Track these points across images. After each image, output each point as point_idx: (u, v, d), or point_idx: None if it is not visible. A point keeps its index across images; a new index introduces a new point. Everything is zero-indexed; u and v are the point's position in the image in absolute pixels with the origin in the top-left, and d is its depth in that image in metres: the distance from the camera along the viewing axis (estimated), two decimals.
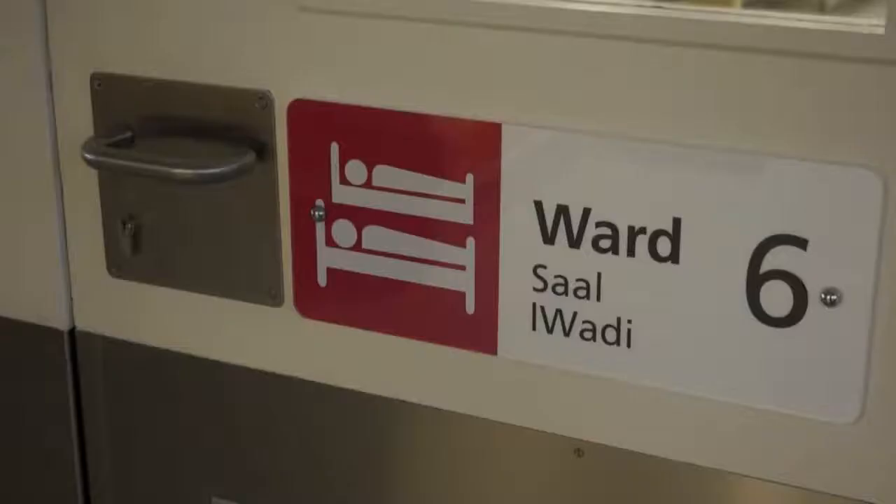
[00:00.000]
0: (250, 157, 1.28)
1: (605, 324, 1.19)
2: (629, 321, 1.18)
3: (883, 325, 1.09)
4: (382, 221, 1.25)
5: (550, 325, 1.21)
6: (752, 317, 1.12)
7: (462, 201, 1.21)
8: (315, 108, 1.25)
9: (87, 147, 1.31)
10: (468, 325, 1.24)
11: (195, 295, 1.37)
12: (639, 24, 1.11)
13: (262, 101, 1.28)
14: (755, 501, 1.19)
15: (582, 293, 1.19)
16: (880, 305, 1.08)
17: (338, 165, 1.26)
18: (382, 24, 1.21)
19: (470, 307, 1.24)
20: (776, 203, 1.09)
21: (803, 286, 1.10)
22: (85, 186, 1.38)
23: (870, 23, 1.05)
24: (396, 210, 1.24)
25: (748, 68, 1.08)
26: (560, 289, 1.19)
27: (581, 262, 1.18)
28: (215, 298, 1.36)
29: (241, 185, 1.30)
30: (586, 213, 1.17)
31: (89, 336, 1.45)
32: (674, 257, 1.14)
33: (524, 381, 1.24)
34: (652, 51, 1.11)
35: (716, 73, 1.10)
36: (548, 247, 1.19)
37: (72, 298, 1.45)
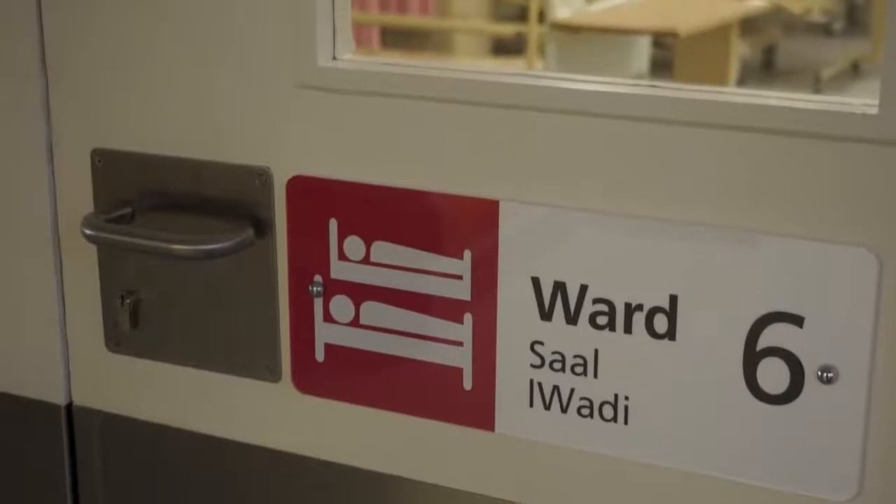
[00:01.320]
0: (249, 233, 1.28)
1: (602, 400, 1.19)
2: (626, 398, 1.18)
3: (880, 403, 1.09)
4: (380, 297, 1.26)
5: (548, 401, 1.21)
6: (748, 394, 1.13)
7: (460, 277, 1.22)
8: (314, 185, 1.26)
9: (86, 223, 1.32)
10: (466, 402, 1.24)
11: (193, 370, 1.38)
12: (634, 103, 1.13)
13: (262, 177, 1.29)
14: None
15: (579, 370, 1.19)
16: (877, 383, 1.09)
17: (336, 241, 1.26)
18: (381, 102, 1.22)
19: (467, 383, 1.24)
20: (772, 281, 1.10)
21: (800, 364, 1.10)
22: (84, 261, 1.39)
23: (863, 102, 1.06)
24: (394, 286, 1.25)
25: (743, 147, 1.10)
26: (557, 365, 1.20)
27: (578, 339, 1.18)
28: (213, 374, 1.36)
29: (240, 261, 1.30)
30: (583, 289, 1.17)
31: (86, 411, 1.45)
32: (671, 334, 1.14)
33: (522, 457, 1.24)
34: (647, 129, 1.12)
35: (710, 152, 1.11)
36: (545, 323, 1.19)
37: (69, 373, 1.45)
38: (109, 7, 1.31)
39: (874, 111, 1.05)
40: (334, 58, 1.25)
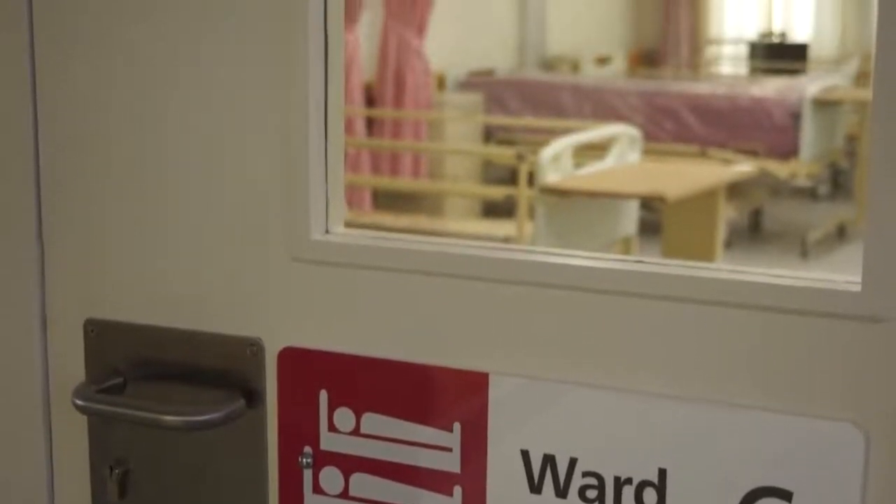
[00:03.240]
0: (240, 404, 1.29)
1: None
2: None
3: None
4: (370, 469, 1.26)
5: None
6: None
7: (449, 450, 1.22)
8: (305, 356, 1.27)
9: (77, 393, 1.32)
10: None
11: None
12: (620, 278, 1.15)
13: (253, 347, 1.30)
14: None
15: None
16: None
17: (326, 413, 1.27)
18: (373, 275, 1.24)
19: None
20: (760, 455, 1.10)
21: None
22: (74, 431, 1.39)
23: (846, 279, 1.08)
24: (384, 458, 1.25)
25: (729, 322, 1.11)
26: None
27: None
28: None
29: (230, 431, 1.30)
30: (573, 462, 1.17)
31: None
32: None
33: None
34: (634, 304, 1.14)
35: (697, 327, 1.12)
36: (535, 496, 1.19)
37: None
38: (105, 179, 1.34)
39: (857, 288, 1.06)
40: (327, 231, 1.27)
